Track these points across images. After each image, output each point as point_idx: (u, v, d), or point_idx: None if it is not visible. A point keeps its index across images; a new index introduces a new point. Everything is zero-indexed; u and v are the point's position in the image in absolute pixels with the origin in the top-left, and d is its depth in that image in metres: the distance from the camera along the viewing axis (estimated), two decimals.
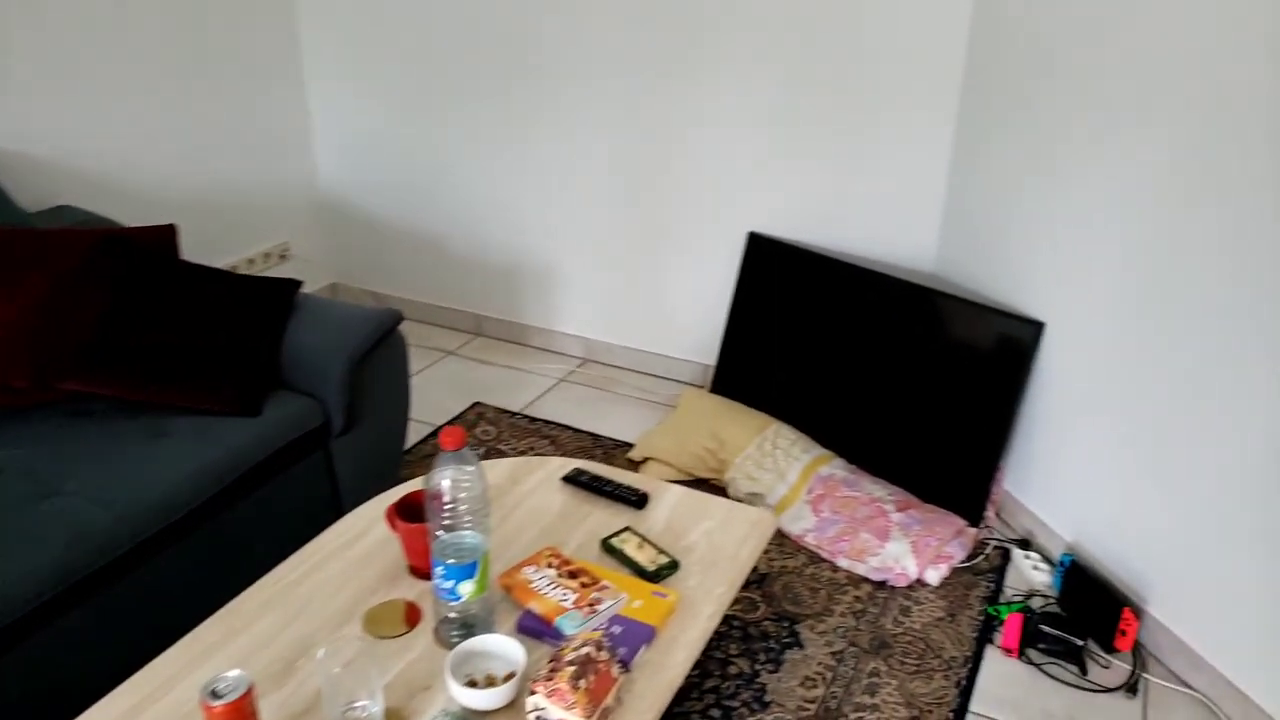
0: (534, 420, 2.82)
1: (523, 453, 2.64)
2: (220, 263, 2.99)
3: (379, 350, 2.07)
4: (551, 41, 2.82)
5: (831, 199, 2.66)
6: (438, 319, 3.42)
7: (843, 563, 2.22)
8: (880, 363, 2.48)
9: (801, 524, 2.32)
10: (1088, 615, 2.01)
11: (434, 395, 2.95)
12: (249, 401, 1.88)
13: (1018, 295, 2.26)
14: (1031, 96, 2.14)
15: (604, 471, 1.83)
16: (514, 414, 2.86)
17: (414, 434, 2.69)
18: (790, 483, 2.41)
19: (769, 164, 2.70)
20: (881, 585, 2.16)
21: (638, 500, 1.73)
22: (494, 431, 2.75)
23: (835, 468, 2.46)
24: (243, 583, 1.50)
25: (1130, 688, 1.87)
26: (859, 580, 2.18)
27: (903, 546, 2.19)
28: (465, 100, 3.02)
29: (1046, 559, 2.24)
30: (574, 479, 1.79)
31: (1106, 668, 1.94)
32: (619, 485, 1.77)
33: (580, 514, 1.71)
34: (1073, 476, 2.16)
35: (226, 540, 1.81)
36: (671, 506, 1.75)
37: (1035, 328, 2.19)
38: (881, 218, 2.62)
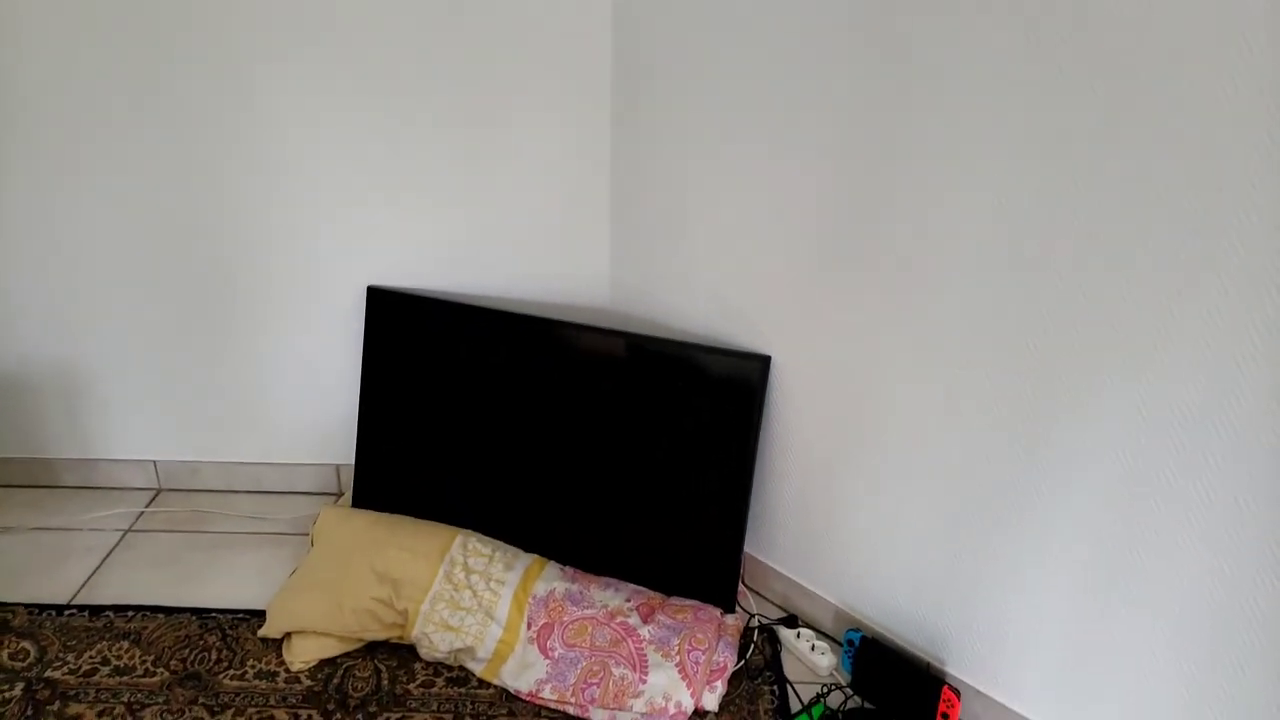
0: (97, 612, 1.88)
1: (88, 678, 1.71)
2: None
3: None
4: None
5: (472, 232, 2.06)
6: None
7: (599, 717, 1.67)
8: (576, 430, 1.96)
9: (533, 674, 1.73)
10: (897, 700, 1.68)
11: None
12: None
13: (727, 322, 1.86)
14: (684, 85, 1.72)
15: None
16: (63, 609, 1.89)
17: None
18: (503, 620, 1.80)
19: (381, 196, 2.02)
20: None
21: None
22: (33, 652, 1.77)
23: (552, 580, 1.89)
24: None
25: None
26: None
27: (669, 674, 1.69)
28: None
29: (822, 634, 1.89)
30: None
31: None
32: None
33: None
34: (827, 530, 1.83)
35: None
36: None
37: (760, 363, 1.80)
38: (538, 247, 2.08)
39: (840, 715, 1.68)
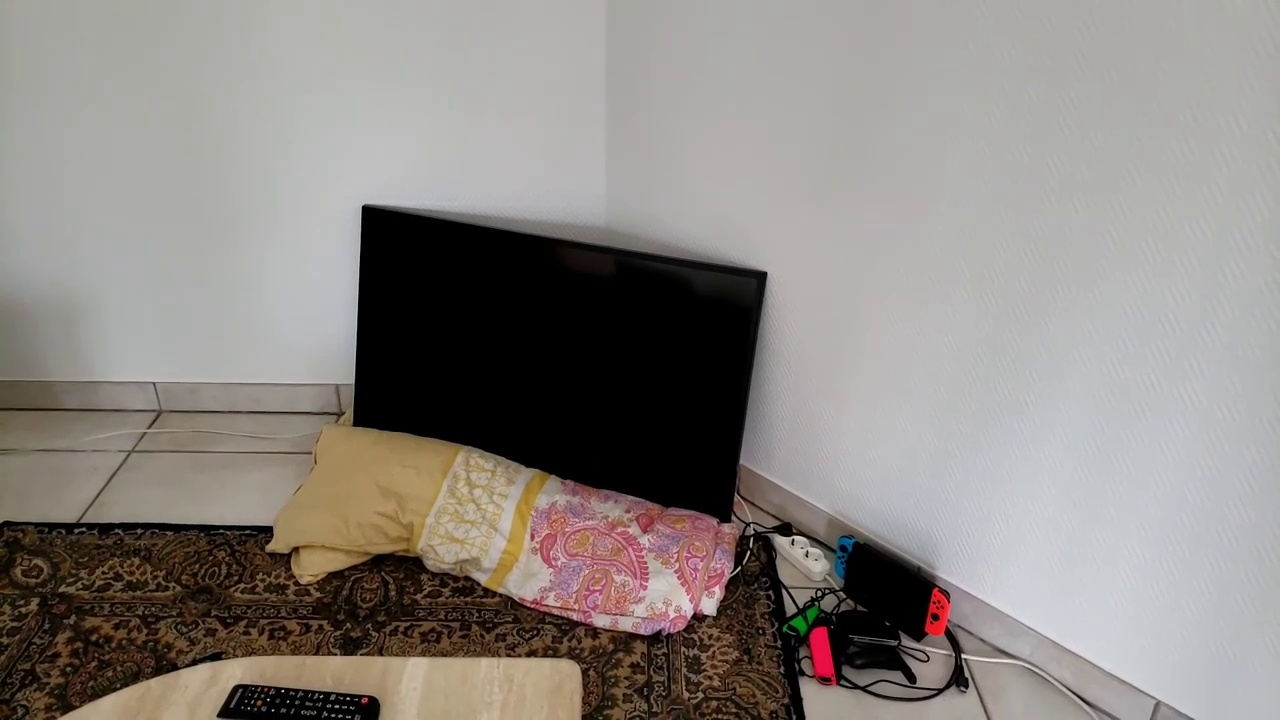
0: (106, 530, 1.92)
1: (101, 593, 1.76)
2: None
3: None
4: None
5: (467, 150, 2.04)
6: None
7: (601, 621, 1.73)
8: (575, 348, 1.97)
9: (536, 583, 1.78)
10: (889, 603, 1.74)
11: None
12: None
13: (723, 240, 1.87)
14: None
15: (289, 671, 1.13)
16: (72, 527, 1.92)
17: None
18: (506, 531, 1.84)
19: (374, 113, 1.99)
20: (655, 637, 1.71)
21: (364, 714, 1.06)
22: (45, 568, 1.81)
23: (553, 493, 1.93)
24: None
25: (960, 681, 1.64)
26: (627, 639, 1.70)
27: (669, 581, 1.75)
28: None
29: (816, 541, 1.94)
30: (240, 710, 1.06)
31: (926, 660, 1.69)
32: (323, 699, 1.08)
33: None
34: (821, 442, 1.87)
35: None
36: (419, 703, 1.10)
37: (755, 279, 1.81)
38: (534, 165, 2.06)
39: (834, 618, 1.74)
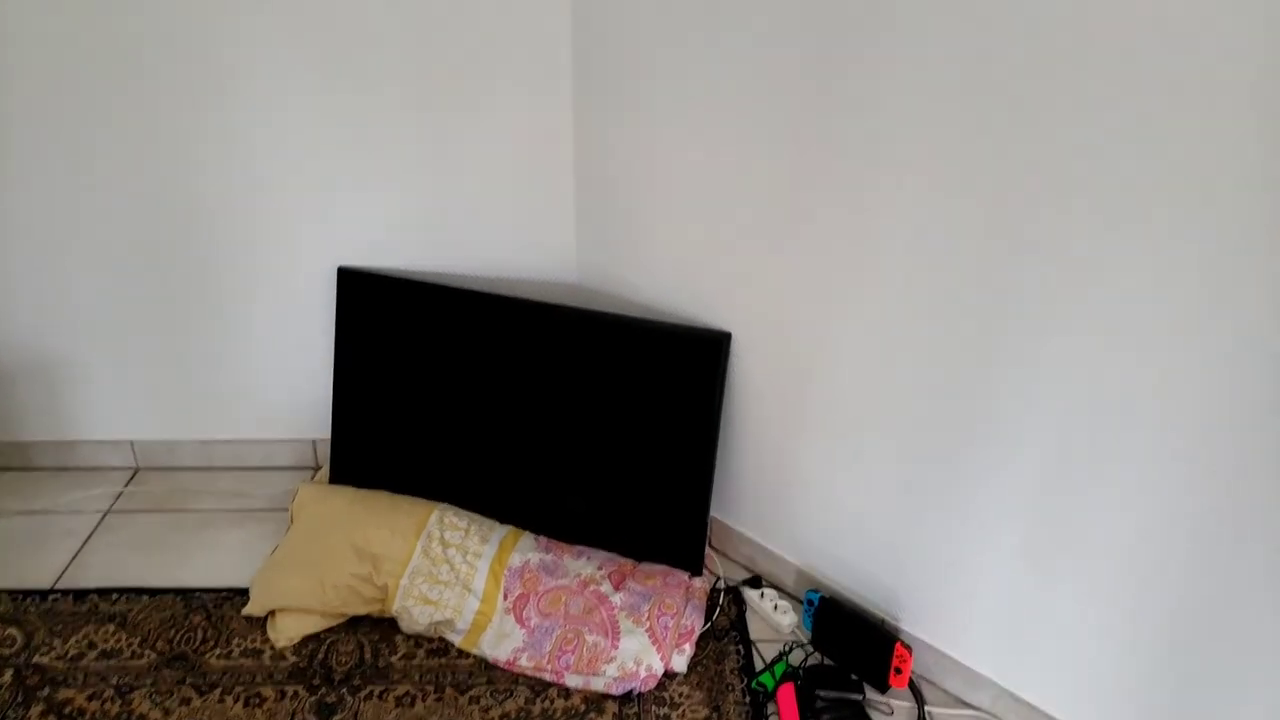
0: (81, 596, 1.93)
1: (75, 662, 1.77)
2: None
3: None
4: None
5: (441, 213, 2.08)
6: None
7: (574, 682, 1.75)
8: (547, 405, 2.01)
9: (510, 643, 1.81)
10: (854, 656, 1.77)
11: None
12: None
13: (689, 299, 1.91)
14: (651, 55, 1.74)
15: None
16: (46, 594, 1.94)
17: None
18: (480, 591, 1.87)
19: (350, 177, 2.03)
20: (627, 697, 1.74)
21: None
22: (19, 638, 1.82)
23: (527, 551, 1.96)
24: None
25: None
26: (599, 699, 1.73)
27: (640, 640, 1.78)
28: None
29: (785, 593, 1.98)
30: None
31: (890, 714, 1.72)
32: None
33: None
34: (788, 495, 1.90)
35: None
36: None
37: (720, 338, 1.85)
38: (506, 227, 2.10)
39: (801, 672, 1.77)
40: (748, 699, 1.74)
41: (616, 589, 1.88)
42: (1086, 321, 1.31)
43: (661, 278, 1.94)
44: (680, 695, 1.74)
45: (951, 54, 1.33)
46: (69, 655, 1.78)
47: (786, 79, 1.56)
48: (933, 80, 1.36)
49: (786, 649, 1.85)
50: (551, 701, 1.72)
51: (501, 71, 1.92)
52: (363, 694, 1.72)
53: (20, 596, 1.92)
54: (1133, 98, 1.17)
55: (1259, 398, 1.19)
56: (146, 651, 1.80)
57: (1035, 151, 1.28)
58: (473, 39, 1.89)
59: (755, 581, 2.01)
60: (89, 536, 2.11)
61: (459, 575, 1.88)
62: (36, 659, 1.77)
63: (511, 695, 1.73)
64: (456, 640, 1.84)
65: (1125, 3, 1.15)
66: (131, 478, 2.31)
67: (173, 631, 1.84)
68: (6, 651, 1.78)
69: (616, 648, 1.77)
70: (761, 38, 1.56)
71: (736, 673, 1.79)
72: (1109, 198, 1.23)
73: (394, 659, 1.80)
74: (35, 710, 1.66)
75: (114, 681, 1.72)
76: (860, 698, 1.71)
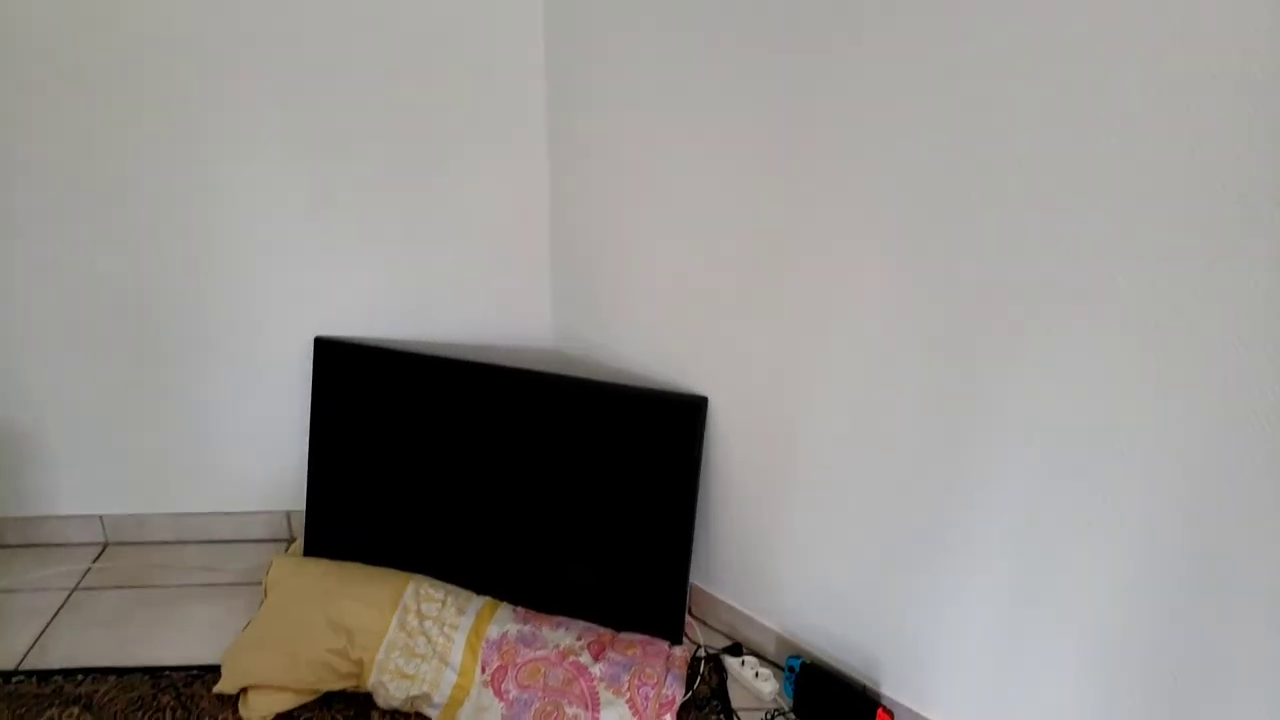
0: (46, 678, 1.88)
1: None
2: None
3: None
4: None
5: (418, 283, 2.10)
6: None
7: None
8: (525, 473, 2.01)
9: (488, 717, 1.78)
10: None
11: None
12: None
13: (666, 365, 1.93)
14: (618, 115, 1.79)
15: None
16: (9, 675, 1.88)
17: None
18: (457, 664, 1.84)
19: (326, 248, 2.05)
20: None
21: None
22: None
23: (504, 622, 1.94)
24: None
25: None
26: None
27: (619, 711, 1.76)
28: None
29: (765, 660, 1.97)
30: None
31: None
32: None
33: None
34: (767, 561, 1.91)
35: None
36: None
37: (697, 403, 1.87)
38: (482, 295, 2.13)
39: None
40: None
41: (596, 659, 1.86)
42: (1055, 385, 1.35)
43: (638, 343, 1.97)
44: None
45: (923, 142, 1.38)
46: None
47: (754, 150, 1.61)
48: (897, 160, 1.42)
49: (768, 717, 1.83)
50: None
51: (478, 140, 1.96)
52: None
53: None
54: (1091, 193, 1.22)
55: (1229, 460, 1.22)
56: None
57: (1000, 220, 1.33)
58: (448, 109, 1.93)
59: (736, 649, 2.00)
60: (54, 615, 2.06)
61: (435, 648, 1.86)
62: None
63: None
64: (434, 715, 1.80)
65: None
66: (100, 553, 2.27)
67: (140, 713, 1.80)
68: None
69: (597, 719, 1.74)
70: (729, 108, 1.62)
71: None
72: (1075, 264, 1.28)
73: None
74: None
75: None
76: None
